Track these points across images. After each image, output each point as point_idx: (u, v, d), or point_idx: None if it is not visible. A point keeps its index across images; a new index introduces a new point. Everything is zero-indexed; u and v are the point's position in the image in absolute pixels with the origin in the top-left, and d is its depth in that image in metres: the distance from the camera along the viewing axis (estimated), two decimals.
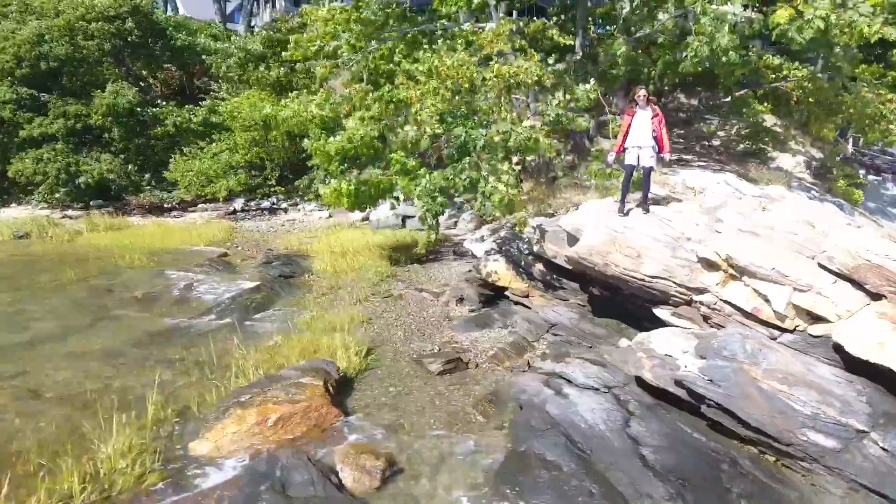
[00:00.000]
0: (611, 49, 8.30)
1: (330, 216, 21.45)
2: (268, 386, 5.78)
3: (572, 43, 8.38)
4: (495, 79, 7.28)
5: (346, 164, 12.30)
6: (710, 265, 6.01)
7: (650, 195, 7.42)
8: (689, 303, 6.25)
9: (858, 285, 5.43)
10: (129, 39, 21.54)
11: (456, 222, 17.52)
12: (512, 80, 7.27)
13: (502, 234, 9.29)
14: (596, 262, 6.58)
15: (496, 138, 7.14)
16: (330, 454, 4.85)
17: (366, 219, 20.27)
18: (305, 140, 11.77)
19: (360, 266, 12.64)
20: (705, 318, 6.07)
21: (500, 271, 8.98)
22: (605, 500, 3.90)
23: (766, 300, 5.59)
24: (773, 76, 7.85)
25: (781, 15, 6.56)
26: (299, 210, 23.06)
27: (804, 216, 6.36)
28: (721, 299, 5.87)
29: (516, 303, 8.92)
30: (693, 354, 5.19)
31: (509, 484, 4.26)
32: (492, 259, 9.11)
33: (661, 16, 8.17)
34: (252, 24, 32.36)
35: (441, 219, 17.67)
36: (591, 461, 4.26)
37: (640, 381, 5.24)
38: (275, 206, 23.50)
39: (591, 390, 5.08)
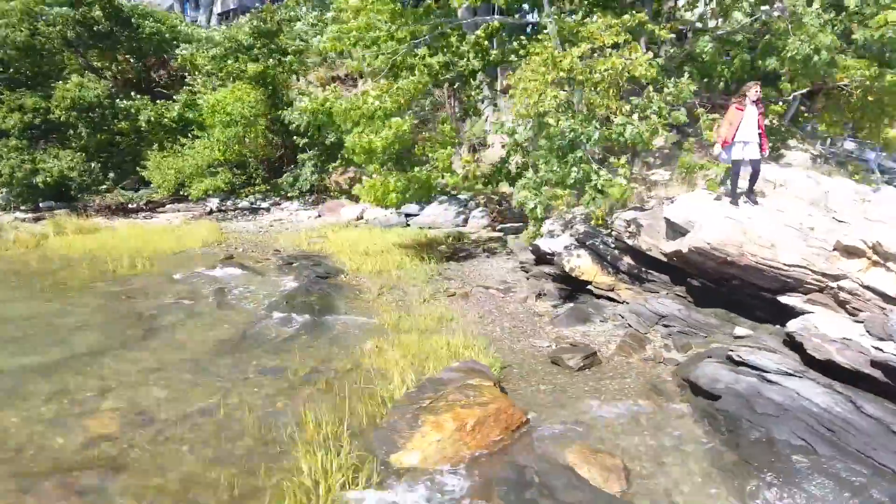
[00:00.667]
0: (697, 45, 8.52)
1: (319, 216, 20.75)
2: (439, 389, 5.48)
3: (672, 36, 8.55)
4: (609, 71, 7.27)
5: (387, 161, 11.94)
6: (850, 252, 6.29)
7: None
8: (821, 289, 6.51)
9: None
10: (94, 28, 19.80)
11: (466, 219, 17.39)
12: (627, 74, 7.30)
13: (581, 229, 9.28)
14: (730, 252, 6.72)
15: (615, 133, 7.13)
16: (558, 455, 4.66)
17: (360, 218, 19.76)
18: (347, 136, 11.29)
19: (395, 265, 12.29)
20: (842, 304, 6.33)
21: (584, 266, 8.99)
22: (881, 478, 3.99)
23: None
24: (842, 76, 8.32)
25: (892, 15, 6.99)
26: (283, 209, 22.13)
27: None
28: (863, 285, 6.13)
29: (599, 296, 8.96)
30: (870, 337, 5.41)
31: (765, 470, 4.27)
32: (575, 254, 9.09)
33: (737, 14, 8.48)
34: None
35: (449, 216, 17.61)
36: (842, 443, 4.34)
37: (819, 364, 5.39)
38: (254, 206, 22.45)
39: (790, 376, 5.18)
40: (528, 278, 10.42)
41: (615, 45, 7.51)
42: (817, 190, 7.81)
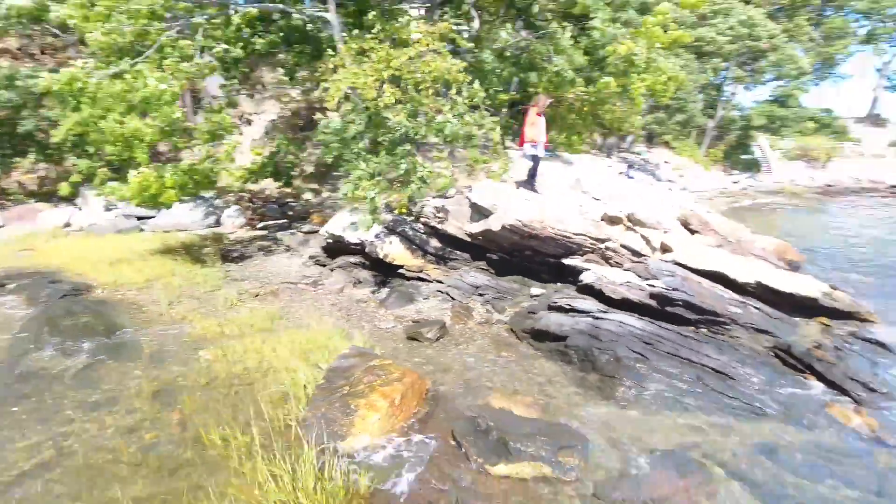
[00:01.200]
0: (480, 57, 9.92)
1: (2, 225, 16.25)
2: (349, 376, 5.53)
3: (469, 46, 9.63)
4: (432, 73, 7.99)
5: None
6: (613, 221, 8.54)
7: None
8: (593, 251, 8.65)
9: (686, 227, 8.80)
10: None
11: (218, 220, 16.01)
12: (445, 77, 8.13)
13: (388, 217, 9.93)
14: (535, 227, 8.32)
15: (440, 129, 7.93)
16: (478, 401, 5.34)
17: (68, 224, 16.29)
18: (104, 122, 9.32)
19: (168, 273, 10.85)
20: (607, 260, 8.56)
21: (396, 252, 9.69)
22: (687, 366, 5.88)
23: (648, 241, 8.43)
24: (573, 91, 10.94)
25: (623, 48, 9.50)
26: None
27: (639, 186, 9.53)
28: (621, 244, 8.44)
29: (411, 278, 9.79)
30: (641, 279, 7.56)
31: (618, 378, 5.80)
32: (387, 241, 9.70)
33: (503, 34, 10.22)
34: None
35: (196, 217, 16.11)
36: (659, 350, 6.15)
37: (615, 303, 7.32)
38: None
39: (607, 313, 6.91)
40: (332, 270, 10.56)
41: (434, 51, 8.34)
42: (572, 178, 10.15)
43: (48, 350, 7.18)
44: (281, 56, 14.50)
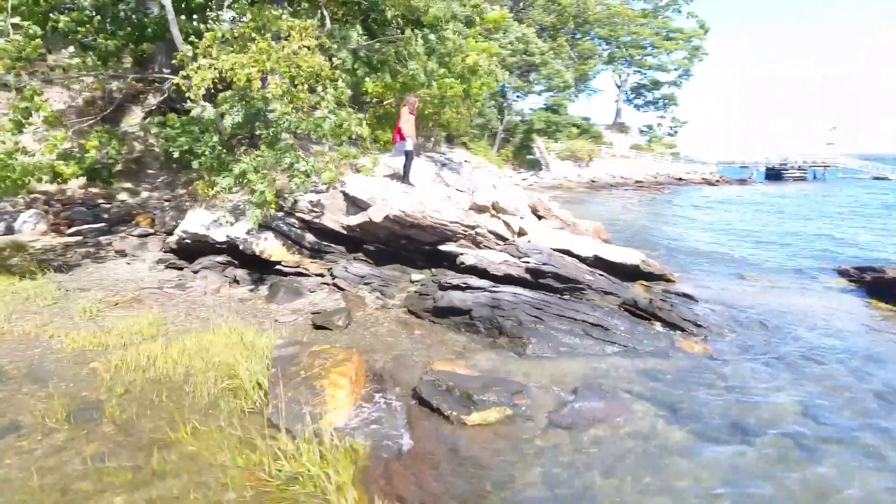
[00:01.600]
0: (339, 55, 10.13)
1: None
2: (298, 363, 5.71)
3: (331, 45, 9.58)
4: (310, 69, 8.05)
5: None
6: (480, 209, 9.74)
7: None
8: (465, 237, 9.77)
9: (535, 213, 10.44)
10: None
11: (10, 227, 13.35)
12: (318, 73, 8.25)
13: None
14: (416, 216, 9.10)
15: (318, 125, 8.12)
16: (426, 368, 5.98)
17: None
18: None
19: None
20: (477, 244, 9.75)
21: (272, 248, 9.64)
22: (574, 323, 7.27)
23: (509, 226, 9.85)
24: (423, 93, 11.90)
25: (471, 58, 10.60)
26: None
27: (488, 179, 10.91)
28: (488, 230, 9.71)
29: (288, 273, 9.81)
30: (515, 257, 8.86)
31: (525, 338, 6.94)
32: (262, 237, 9.57)
33: (353, 35, 10.58)
34: None
35: None
36: (550, 313, 7.43)
37: (493, 278, 8.50)
38: None
39: (497, 287, 8.01)
40: (196, 272, 9.96)
41: (306, 47, 8.42)
42: (432, 173, 11.14)
43: None
44: (87, 38, 12.86)
